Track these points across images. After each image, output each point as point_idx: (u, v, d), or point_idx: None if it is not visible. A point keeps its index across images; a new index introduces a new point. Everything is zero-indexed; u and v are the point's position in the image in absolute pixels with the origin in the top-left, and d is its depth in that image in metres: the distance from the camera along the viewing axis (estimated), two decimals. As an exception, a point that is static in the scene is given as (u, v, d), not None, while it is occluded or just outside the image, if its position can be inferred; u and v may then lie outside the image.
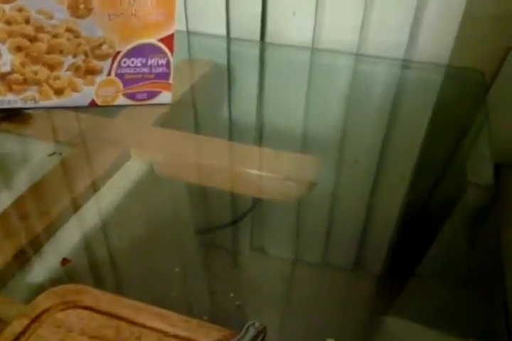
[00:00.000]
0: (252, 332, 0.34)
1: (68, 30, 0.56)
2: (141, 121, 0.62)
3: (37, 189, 0.51)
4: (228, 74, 0.76)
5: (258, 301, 0.42)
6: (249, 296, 0.42)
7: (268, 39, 0.81)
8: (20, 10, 0.54)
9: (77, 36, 0.57)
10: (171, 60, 0.61)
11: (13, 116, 0.60)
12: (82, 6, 0.55)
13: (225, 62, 0.78)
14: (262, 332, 0.35)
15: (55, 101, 0.60)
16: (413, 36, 0.73)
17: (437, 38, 0.72)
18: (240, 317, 0.40)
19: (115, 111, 0.63)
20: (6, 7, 0.53)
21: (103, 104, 0.61)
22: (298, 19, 0.76)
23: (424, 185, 0.55)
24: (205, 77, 0.73)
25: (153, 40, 0.59)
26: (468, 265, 0.45)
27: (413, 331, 0.40)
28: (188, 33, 0.83)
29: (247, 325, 0.35)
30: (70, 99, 0.60)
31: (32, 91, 0.58)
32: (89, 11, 0.55)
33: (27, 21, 0.54)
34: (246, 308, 0.40)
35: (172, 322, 0.36)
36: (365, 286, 0.45)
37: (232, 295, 0.41)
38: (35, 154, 0.58)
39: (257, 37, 0.81)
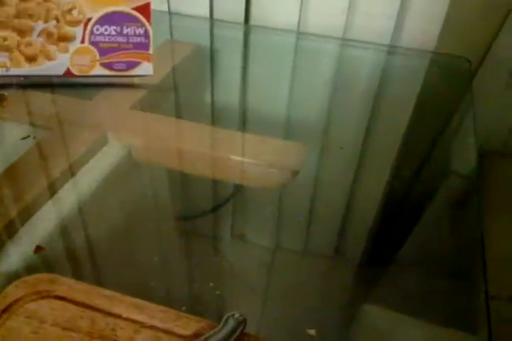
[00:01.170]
0: (231, 323, 0.34)
1: (38, -7, 0.55)
2: (119, 103, 0.61)
3: (9, 174, 0.49)
4: (211, 57, 0.74)
5: (238, 290, 0.41)
6: (229, 285, 0.41)
7: (252, 21, 0.79)
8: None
9: (47, 0, 0.55)
10: (150, 29, 0.60)
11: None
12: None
13: (208, 44, 0.76)
14: (241, 323, 0.34)
15: (27, 69, 0.58)
16: (400, 22, 0.72)
17: (424, 25, 0.72)
18: (220, 306, 0.39)
19: (93, 93, 0.61)
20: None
21: (79, 74, 0.59)
22: (283, 2, 0.75)
23: (408, 172, 0.55)
24: (187, 60, 0.71)
25: (127, 9, 0.58)
26: (449, 253, 0.45)
27: (394, 319, 0.40)
28: (170, 13, 0.81)
29: (226, 317, 0.34)
30: (43, 67, 0.58)
31: (3, 58, 0.56)
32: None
33: (-6, -15, 0.53)
34: (226, 297, 0.39)
35: (149, 313, 0.35)
36: (347, 274, 0.44)
37: (211, 284, 0.40)
38: (8, 137, 0.56)
39: (242, 19, 0.79)
